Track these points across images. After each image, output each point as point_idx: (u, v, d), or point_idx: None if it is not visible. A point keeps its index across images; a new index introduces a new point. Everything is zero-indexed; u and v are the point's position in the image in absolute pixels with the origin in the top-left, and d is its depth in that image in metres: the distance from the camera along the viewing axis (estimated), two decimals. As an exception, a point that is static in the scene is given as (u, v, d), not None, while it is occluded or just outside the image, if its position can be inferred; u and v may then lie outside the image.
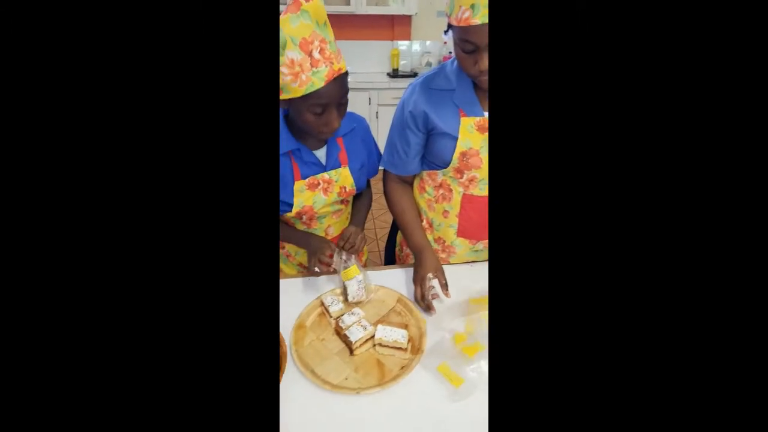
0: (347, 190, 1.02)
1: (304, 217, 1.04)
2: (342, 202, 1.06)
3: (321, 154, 0.99)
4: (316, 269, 0.92)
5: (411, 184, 1.11)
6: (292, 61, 0.75)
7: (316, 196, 0.98)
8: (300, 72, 0.76)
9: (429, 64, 3.49)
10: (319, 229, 1.08)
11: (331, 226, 1.09)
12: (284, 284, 1.02)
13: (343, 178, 1.01)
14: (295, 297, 0.97)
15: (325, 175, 0.99)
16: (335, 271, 0.93)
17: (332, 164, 1.00)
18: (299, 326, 0.88)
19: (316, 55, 0.77)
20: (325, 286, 0.99)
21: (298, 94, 0.79)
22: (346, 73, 0.84)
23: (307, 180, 0.97)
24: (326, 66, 0.78)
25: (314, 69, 0.77)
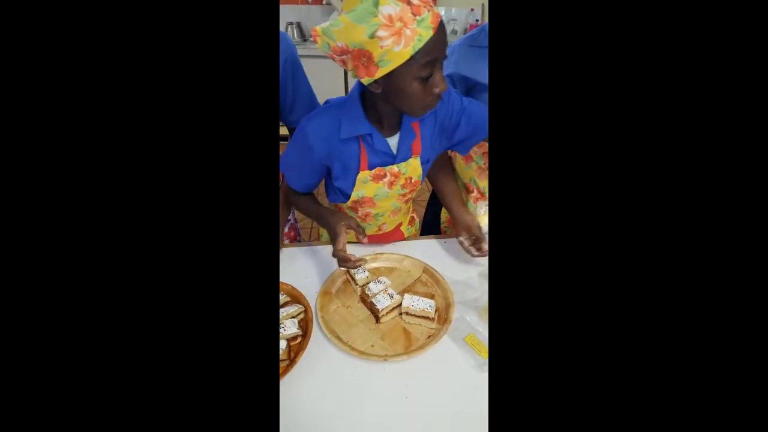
0: (413, 181, 0.90)
1: (360, 210, 0.95)
2: (406, 200, 0.98)
3: (393, 142, 0.85)
4: (341, 268, 0.85)
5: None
6: (391, 17, 0.59)
7: (379, 188, 0.88)
8: (403, 27, 0.60)
9: (455, 32, 3.36)
10: (373, 224, 1.01)
11: (385, 223, 1.02)
12: (307, 251, 1.01)
13: (411, 169, 0.88)
14: (319, 264, 0.96)
15: (395, 168, 0.86)
16: (360, 262, 0.84)
17: (403, 155, 0.86)
18: (324, 293, 0.87)
19: (414, 0, 0.61)
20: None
21: (405, 57, 0.62)
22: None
23: (373, 171, 0.85)
24: (428, 11, 0.62)
25: (418, 18, 0.61)
